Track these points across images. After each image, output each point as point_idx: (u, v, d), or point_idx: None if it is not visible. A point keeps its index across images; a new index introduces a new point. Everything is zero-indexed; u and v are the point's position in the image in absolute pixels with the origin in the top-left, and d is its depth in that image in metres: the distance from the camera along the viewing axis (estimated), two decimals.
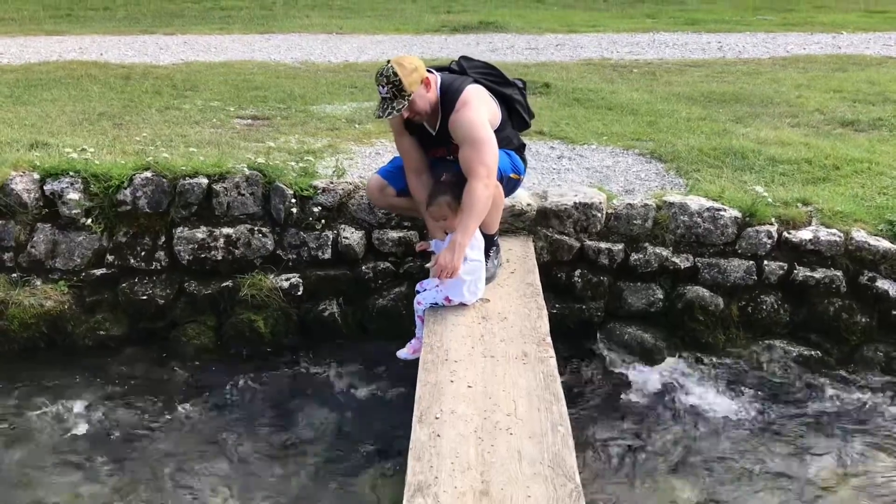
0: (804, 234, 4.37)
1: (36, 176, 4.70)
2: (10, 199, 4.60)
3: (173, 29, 13.08)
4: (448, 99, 3.80)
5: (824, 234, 4.36)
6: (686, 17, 15.84)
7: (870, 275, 4.30)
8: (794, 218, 4.49)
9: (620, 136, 6.58)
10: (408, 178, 4.09)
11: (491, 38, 12.64)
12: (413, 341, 3.98)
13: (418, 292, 3.94)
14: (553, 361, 3.37)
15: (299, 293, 4.57)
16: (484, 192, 3.62)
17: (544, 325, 3.65)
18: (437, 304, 3.80)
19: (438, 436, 2.90)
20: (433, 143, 4.02)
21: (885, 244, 4.27)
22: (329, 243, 4.59)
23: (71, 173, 4.69)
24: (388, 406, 4.19)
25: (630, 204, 4.50)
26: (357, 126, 7.05)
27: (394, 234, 4.59)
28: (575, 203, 4.49)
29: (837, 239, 4.34)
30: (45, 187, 4.65)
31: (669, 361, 4.41)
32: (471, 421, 2.98)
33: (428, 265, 4.07)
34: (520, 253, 4.32)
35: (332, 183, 4.68)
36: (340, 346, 4.63)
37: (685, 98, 8.11)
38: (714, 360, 4.35)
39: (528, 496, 2.59)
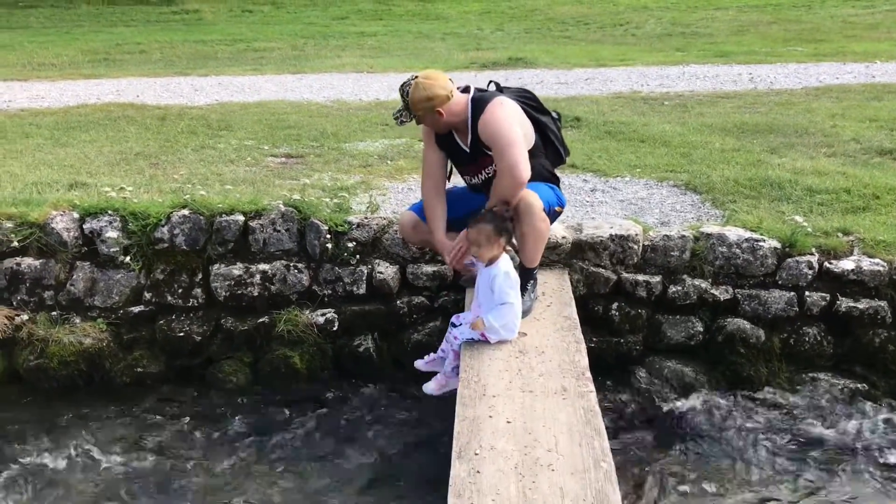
0: (846, 264, 4.29)
1: (75, 215, 4.76)
2: (50, 238, 4.66)
3: (207, 70, 13.32)
4: (476, 110, 3.85)
5: (867, 263, 4.28)
6: (715, 49, 15.80)
7: None
8: (835, 248, 4.41)
9: (654, 168, 6.55)
10: (426, 191, 4.16)
11: (521, 73, 12.69)
12: (439, 377, 3.95)
13: (454, 325, 3.91)
14: (593, 396, 3.32)
15: (334, 328, 4.57)
16: (512, 186, 3.75)
17: (583, 359, 3.60)
18: (473, 339, 3.76)
19: (478, 472, 2.85)
20: (466, 161, 4.05)
21: None
22: (364, 278, 4.59)
23: (109, 212, 4.75)
24: (426, 442, 4.14)
25: (667, 235, 4.46)
26: (389, 162, 7.10)
27: (428, 269, 4.59)
28: (611, 235, 4.45)
29: (881, 269, 4.26)
30: (84, 226, 4.71)
31: (710, 395, 4.31)
32: (511, 457, 2.94)
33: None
34: (555, 286, 4.29)
35: (366, 218, 4.70)
36: (375, 382, 4.60)
37: (718, 129, 8.05)
38: (756, 394, 4.24)
39: None
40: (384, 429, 4.33)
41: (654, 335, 4.47)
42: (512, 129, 3.80)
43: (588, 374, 3.49)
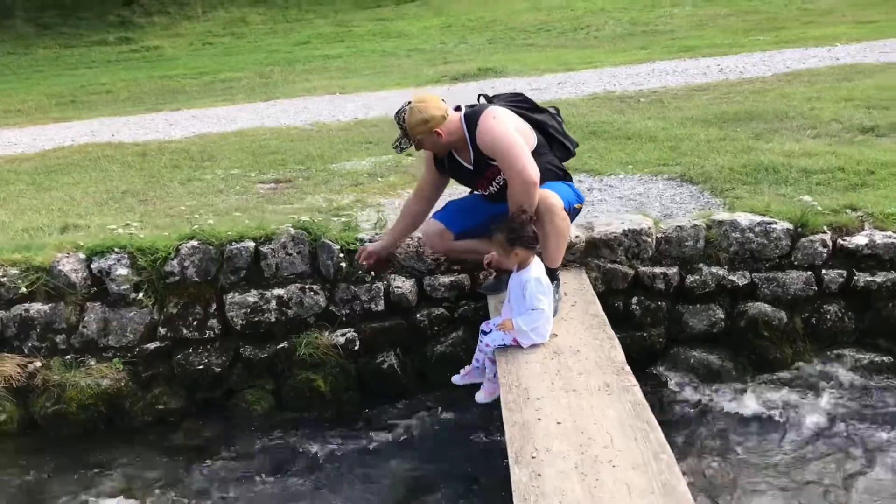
0: (860, 240, 4.34)
1: (81, 255, 4.69)
2: (58, 281, 4.58)
3: (178, 105, 13.23)
4: (470, 127, 3.88)
5: (880, 237, 4.33)
6: (679, 44, 16.00)
7: None
8: (845, 224, 4.46)
9: (645, 164, 6.59)
10: (410, 197, 4.37)
11: (492, 82, 12.74)
12: (486, 384, 3.92)
13: (484, 332, 3.90)
14: (637, 389, 3.32)
15: (356, 347, 4.52)
16: (525, 192, 3.74)
17: (619, 355, 3.60)
18: (506, 344, 3.74)
19: (539, 475, 2.83)
20: (473, 177, 4.07)
21: None
22: (381, 294, 4.56)
23: (116, 249, 4.68)
24: (459, 454, 4.10)
25: (680, 226, 4.48)
26: (380, 179, 7.08)
27: (445, 280, 4.57)
28: (624, 231, 4.47)
29: (894, 241, 4.31)
30: (92, 266, 4.63)
31: (739, 380, 4.33)
32: (569, 457, 2.92)
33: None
34: (575, 285, 4.29)
35: (377, 235, 4.66)
36: (402, 398, 4.56)
37: (700, 121, 8.13)
38: (784, 375, 4.26)
39: None
40: (414, 444, 4.29)
41: (676, 326, 4.48)
42: (508, 134, 3.82)
43: (627, 368, 3.49)
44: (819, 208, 4.53)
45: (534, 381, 3.45)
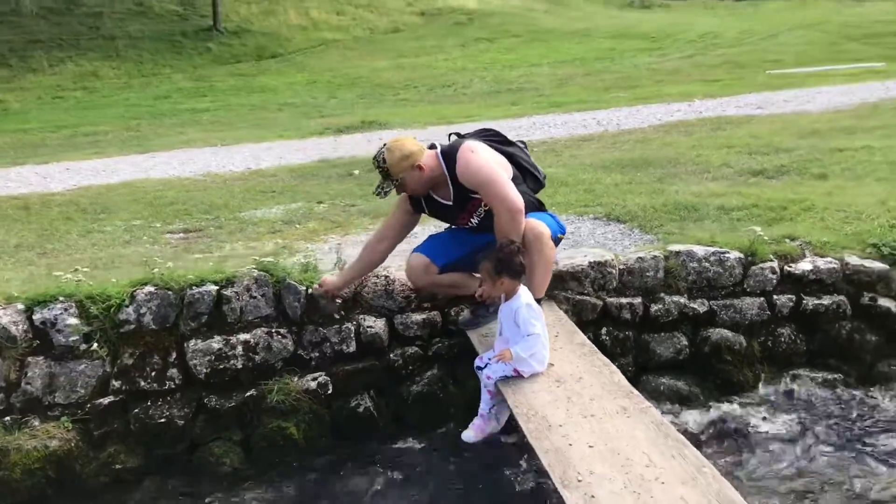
0: (805, 266, 4.66)
1: (20, 306, 4.31)
2: None
3: (46, 157, 12.51)
4: (449, 163, 3.92)
5: (822, 263, 4.67)
6: (547, 101, 16.75)
7: (870, 295, 4.62)
8: (789, 252, 4.78)
9: (567, 205, 6.80)
10: (372, 236, 4.41)
11: (380, 134, 12.84)
12: (477, 421, 3.88)
13: (479, 368, 3.88)
14: (654, 410, 3.40)
15: (329, 392, 4.38)
16: (513, 220, 3.81)
17: (622, 379, 3.67)
18: (507, 376, 3.74)
19: (593, 497, 2.83)
20: (453, 213, 4.10)
21: (878, 265, 4.62)
22: (352, 335, 4.46)
23: (61, 298, 4.34)
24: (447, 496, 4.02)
25: (641, 257, 4.66)
26: (298, 226, 6.96)
27: (417, 317, 4.52)
28: (590, 263, 4.59)
29: (835, 266, 4.66)
30: (34, 317, 4.27)
31: (704, 405, 4.50)
32: (615, 479, 2.93)
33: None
34: (552, 317, 4.34)
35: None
36: (376, 442, 4.43)
37: (600, 167, 8.50)
38: (749, 395, 4.47)
39: None
40: (398, 490, 4.17)
41: (643, 355, 4.62)
42: (489, 167, 3.91)
43: (636, 391, 3.56)
44: (766, 238, 4.82)
45: (549, 408, 3.46)
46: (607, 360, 3.86)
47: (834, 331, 4.66)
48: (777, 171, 7.73)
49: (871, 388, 4.51)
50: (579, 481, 2.93)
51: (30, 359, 4.25)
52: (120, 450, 4.27)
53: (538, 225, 3.91)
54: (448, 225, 4.45)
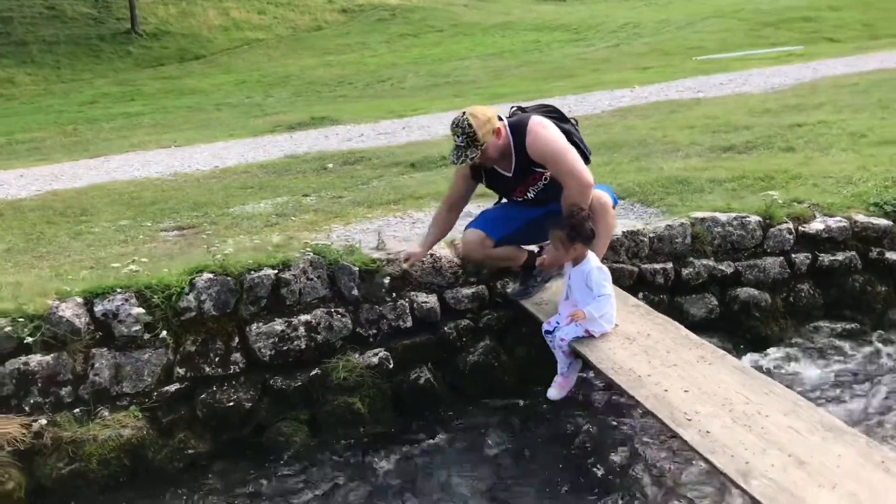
0: (817, 225, 5.03)
1: (79, 300, 4.32)
2: (59, 329, 4.19)
3: None
4: (517, 135, 4.11)
5: (832, 222, 5.05)
6: (489, 92, 17.05)
7: (878, 250, 5.03)
8: (801, 214, 5.14)
9: None
10: (439, 207, 4.53)
11: (336, 129, 12.90)
12: (559, 379, 4.09)
13: (549, 332, 4.09)
14: (731, 357, 3.67)
15: (390, 366, 4.51)
16: (582, 194, 3.99)
17: (689, 332, 3.95)
18: (579, 336, 3.96)
19: (708, 432, 3.08)
20: (511, 185, 4.28)
21: (884, 221, 5.04)
22: (407, 311, 4.60)
23: (118, 290, 4.36)
24: (514, 459, 4.19)
25: (669, 225, 4.95)
26: (293, 218, 7.01)
27: (467, 291, 4.71)
28: (624, 232, 4.85)
29: (845, 224, 5.05)
30: (95, 309, 4.28)
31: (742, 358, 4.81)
32: (720, 415, 3.19)
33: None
34: None
35: (391, 254, 4.72)
36: (441, 411, 4.59)
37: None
38: (778, 347, 4.81)
39: (838, 455, 2.84)
40: (468, 457, 4.32)
41: (677, 316, 4.85)
42: (561, 142, 4.10)
43: (704, 341, 3.83)
44: (780, 201, 5.17)
45: (631, 362, 3.70)
46: (666, 318, 4.12)
47: (847, 284, 5.05)
48: (745, 146, 8.15)
49: (885, 334, 4.90)
50: (689, 420, 3.17)
51: (94, 350, 4.25)
52: (189, 436, 4.32)
53: (602, 195, 4.14)
54: (497, 201, 4.61)
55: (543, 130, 4.08)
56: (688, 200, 6.00)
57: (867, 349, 4.81)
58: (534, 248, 4.66)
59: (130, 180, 9.70)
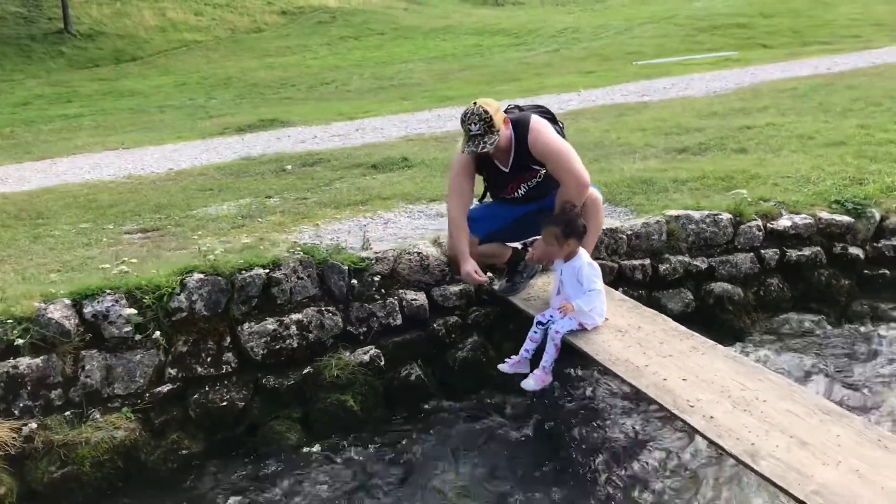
0: (785, 222, 5.26)
1: (67, 301, 4.26)
2: (48, 330, 4.13)
3: None
4: (518, 131, 4.23)
5: (798, 219, 5.29)
6: (435, 95, 17.16)
7: (841, 245, 5.28)
8: (768, 211, 5.37)
9: None
10: (453, 212, 4.43)
11: (287, 131, 12.84)
12: (539, 372, 4.20)
13: (541, 323, 4.20)
14: (721, 346, 3.84)
15: (381, 363, 4.57)
16: (579, 193, 4.13)
17: (677, 325, 4.10)
18: (573, 329, 4.09)
19: (712, 417, 3.23)
20: (506, 179, 4.39)
21: (846, 218, 5.30)
22: (397, 309, 4.66)
23: (108, 291, 4.32)
24: (506, 452, 4.29)
25: (646, 223, 5.12)
26: (260, 220, 6.99)
27: (454, 289, 4.79)
28: (603, 230, 4.99)
29: (810, 221, 5.30)
30: (84, 310, 4.23)
31: None
32: (720, 402, 3.34)
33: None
34: None
35: (378, 252, 4.78)
36: (428, 406, 4.67)
37: None
38: (753, 338, 5.03)
39: (837, 435, 3.02)
40: (461, 448, 4.40)
41: (655, 310, 5.04)
42: (561, 141, 4.25)
43: (694, 332, 3.99)
44: (749, 199, 5.39)
45: (627, 353, 3.83)
46: (654, 311, 4.28)
47: (813, 278, 5.30)
48: (699, 148, 8.41)
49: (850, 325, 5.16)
50: (692, 406, 3.31)
51: (84, 352, 4.20)
52: (182, 436, 4.30)
53: (595, 192, 4.28)
54: (480, 198, 4.70)
55: (546, 129, 4.21)
56: (654, 200, 6.18)
57: (834, 339, 5.03)
58: (517, 245, 4.76)
59: (83, 183, 9.51)
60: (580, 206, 4.19)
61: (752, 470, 2.90)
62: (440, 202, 6.90)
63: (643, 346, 3.88)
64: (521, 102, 4.64)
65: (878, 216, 5.39)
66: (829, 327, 5.15)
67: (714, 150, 8.28)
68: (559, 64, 20.86)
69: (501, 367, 4.32)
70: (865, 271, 5.37)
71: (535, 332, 4.22)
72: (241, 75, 23.54)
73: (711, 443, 3.11)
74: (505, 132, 4.21)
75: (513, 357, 4.32)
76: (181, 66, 26.05)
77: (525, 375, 4.24)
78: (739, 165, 7.15)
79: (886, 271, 5.39)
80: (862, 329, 5.11)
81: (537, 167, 4.31)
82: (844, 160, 6.76)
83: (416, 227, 6.03)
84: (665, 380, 3.55)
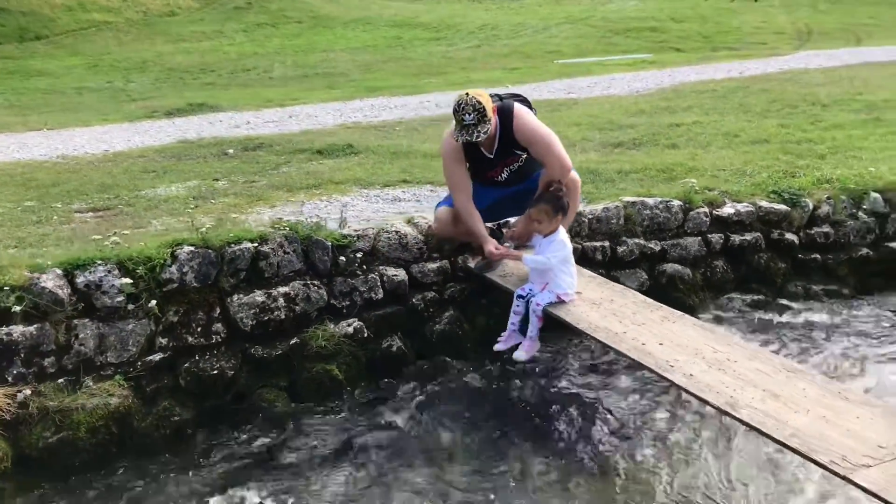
0: (728, 209, 5.73)
1: (59, 271, 4.33)
2: (41, 299, 4.19)
3: None
4: (503, 118, 4.53)
5: (741, 207, 5.77)
6: (363, 85, 17.25)
7: (778, 231, 5.79)
8: (713, 200, 5.83)
9: None
10: (463, 203, 4.72)
11: (218, 116, 12.76)
12: (526, 343, 4.51)
13: (521, 296, 4.51)
14: (689, 317, 4.23)
15: (365, 335, 4.79)
16: (563, 175, 4.48)
17: (646, 298, 4.48)
18: (552, 302, 4.41)
19: (692, 375, 3.60)
20: (491, 164, 4.68)
21: (782, 207, 5.81)
22: (378, 284, 4.89)
23: (98, 261, 4.40)
24: (483, 417, 4.56)
25: (606, 207, 5.50)
26: (213, 202, 7.06)
27: (432, 266, 5.05)
28: None
29: (751, 209, 5.78)
30: (77, 280, 4.31)
31: None
32: (697, 362, 3.72)
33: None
34: None
35: (360, 230, 5.00)
36: (405, 374, 4.93)
37: None
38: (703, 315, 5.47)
39: (803, 389, 3.43)
40: (435, 413, 4.67)
41: None
42: (545, 128, 4.56)
43: (663, 305, 4.37)
44: (698, 188, 5.83)
45: (604, 322, 4.18)
46: (622, 286, 4.64)
47: (754, 261, 5.78)
48: (633, 143, 8.89)
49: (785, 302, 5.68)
50: (671, 366, 3.68)
51: (77, 321, 4.28)
52: (172, 403, 4.42)
53: (575, 175, 4.61)
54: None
55: (529, 115, 4.51)
56: (602, 189, 6.57)
57: (771, 315, 5.53)
58: (490, 225, 5.05)
59: (15, 161, 9.29)
60: (564, 183, 4.51)
61: (735, 418, 3.27)
62: (394, 187, 7.13)
63: (618, 316, 4.23)
64: (501, 91, 4.91)
65: (811, 205, 5.91)
66: (766, 305, 5.63)
67: (647, 145, 8.75)
68: (482, 60, 21.23)
69: (497, 347, 4.58)
70: (799, 255, 5.88)
71: (518, 306, 4.51)
72: (157, 59, 23.03)
73: (695, 396, 3.47)
74: (494, 121, 4.48)
75: (502, 335, 4.58)
76: (91, 48, 25.26)
77: (517, 347, 4.54)
78: (675, 159, 7.62)
79: (817, 255, 5.92)
80: (795, 306, 5.62)
81: (520, 152, 4.60)
82: (773, 156, 7.32)
83: (375, 210, 6.24)
84: (644, 344, 3.90)
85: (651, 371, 3.70)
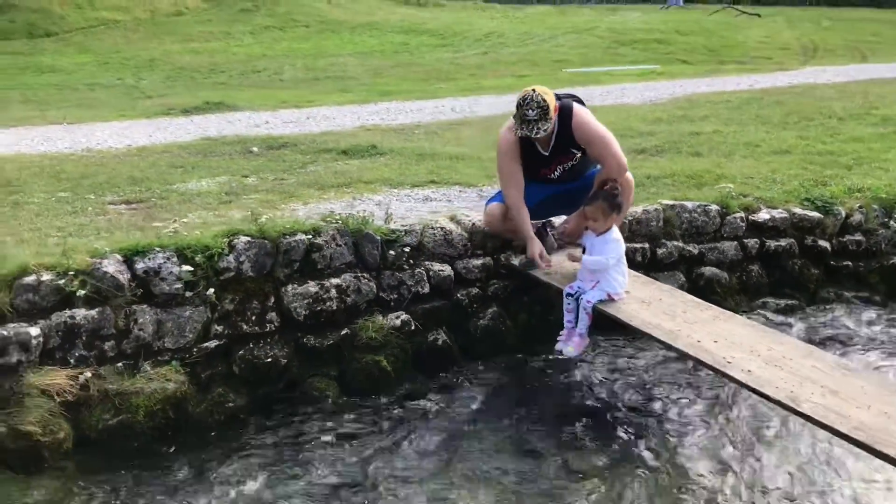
0: (764, 215, 5.84)
1: (119, 257, 4.40)
2: (103, 283, 4.26)
3: None
4: (562, 117, 4.62)
5: (776, 213, 5.88)
6: (374, 90, 17.31)
7: (811, 238, 5.91)
8: (749, 205, 5.93)
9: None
10: (514, 198, 4.83)
11: (237, 116, 12.82)
12: (576, 339, 4.59)
13: (570, 294, 4.60)
14: (738, 316, 4.32)
15: (412, 328, 4.87)
16: (620, 174, 4.60)
17: (693, 297, 4.57)
18: (602, 300, 4.50)
19: (749, 371, 3.69)
20: (546, 162, 4.77)
21: (815, 214, 5.93)
22: (424, 278, 4.97)
23: (157, 249, 4.48)
24: (527, 410, 4.64)
25: (646, 210, 5.59)
26: (245, 197, 7.11)
27: (476, 262, 5.13)
28: None
29: (786, 215, 5.89)
30: (136, 266, 4.38)
31: None
32: (752, 360, 3.80)
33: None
34: None
35: (406, 225, 5.08)
36: (454, 370, 5.00)
37: (485, 146, 9.29)
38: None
39: (861, 386, 3.52)
40: (479, 407, 4.75)
41: None
42: (604, 128, 4.66)
43: (712, 305, 4.47)
44: (734, 193, 5.94)
45: (657, 319, 4.27)
46: (669, 286, 4.73)
47: (788, 267, 5.89)
48: (656, 150, 8.97)
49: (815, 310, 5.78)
50: (729, 363, 3.76)
51: (135, 307, 4.34)
52: (226, 390, 4.49)
53: (629, 175, 4.71)
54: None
55: (588, 115, 4.62)
56: (635, 193, 6.66)
57: (806, 320, 5.64)
58: (535, 222, 5.13)
59: (41, 154, 9.34)
60: (619, 182, 4.60)
61: (796, 412, 3.35)
62: (423, 187, 7.20)
63: (669, 315, 4.32)
64: (558, 91, 5.00)
65: (843, 213, 6.03)
66: (800, 310, 5.74)
67: (670, 152, 8.84)
68: (490, 67, 21.35)
69: (568, 352, 4.63)
70: (832, 262, 6.00)
71: (569, 304, 4.60)
72: (166, 58, 23.08)
73: (755, 392, 3.55)
74: (554, 119, 4.58)
75: (561, 334, 4.65)
76: (100, 46, 25.30)
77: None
78: (702, 166, 7.71)
79: (849, 263, 6.04)
80: (828, 311, 5.73)
81: (575, 150, 4.70)
82: (799, 165, 7.43)
83: (408, 209, 6.30)
84: (699, 341, 3.99)
85: (709, 368, 3.79)
